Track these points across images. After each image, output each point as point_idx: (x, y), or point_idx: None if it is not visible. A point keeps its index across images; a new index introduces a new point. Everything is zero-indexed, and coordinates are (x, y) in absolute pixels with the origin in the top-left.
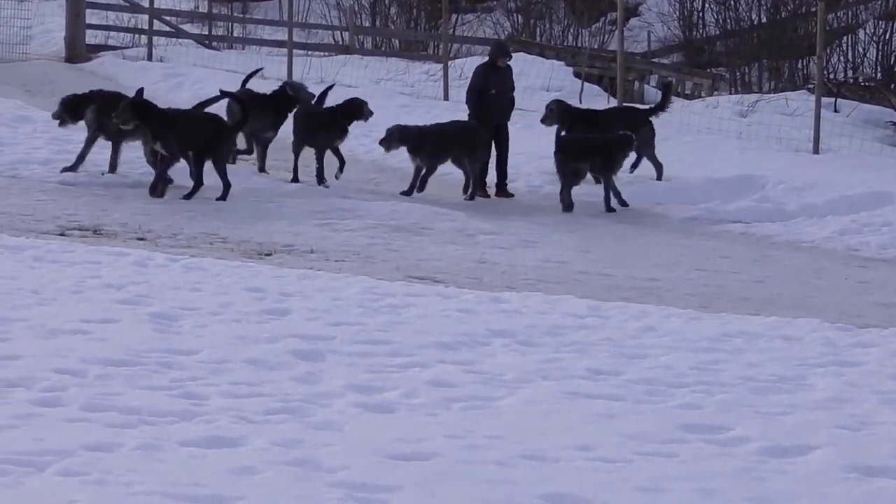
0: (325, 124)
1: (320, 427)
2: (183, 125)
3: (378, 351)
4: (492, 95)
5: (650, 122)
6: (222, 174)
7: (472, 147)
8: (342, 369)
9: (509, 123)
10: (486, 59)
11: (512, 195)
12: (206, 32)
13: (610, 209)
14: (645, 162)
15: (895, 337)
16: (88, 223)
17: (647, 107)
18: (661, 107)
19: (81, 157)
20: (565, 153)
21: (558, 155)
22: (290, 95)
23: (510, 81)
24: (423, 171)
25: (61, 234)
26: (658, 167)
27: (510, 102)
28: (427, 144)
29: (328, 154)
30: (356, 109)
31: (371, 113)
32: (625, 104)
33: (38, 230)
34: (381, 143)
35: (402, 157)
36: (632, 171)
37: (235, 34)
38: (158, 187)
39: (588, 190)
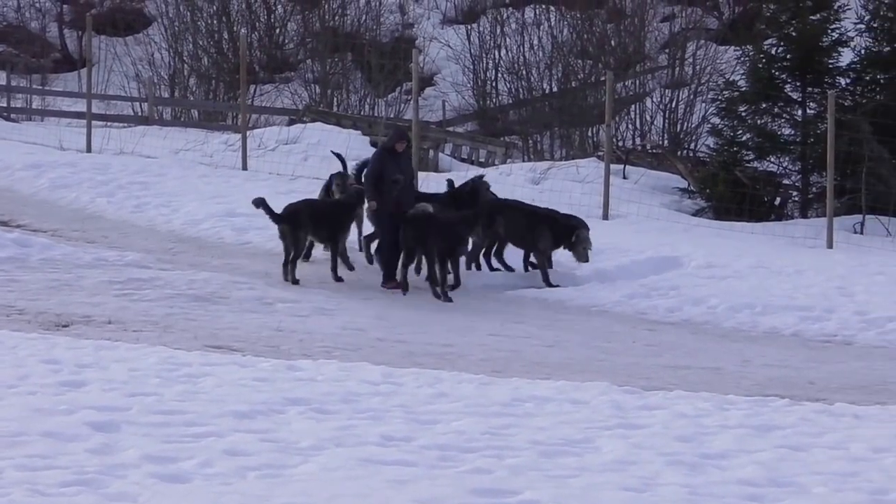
0: None
1: (115, 499)
2: None
3: (174, 421)
4: (393, 182)
5: None
6: None
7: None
8: (138, 440)
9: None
10: (384, 144)
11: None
12: (5, 104)
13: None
14: None
15: (680, 399)
16: None
17: None
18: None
19: None
20: None
21: None
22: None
23: (409, 167)
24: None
25: None
26: None
27: (410, 188)
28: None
29: None
30: None
31: None
32: None
33: None
34: None
35: (200, 227)
36: None
37: (35, 106)
38: None
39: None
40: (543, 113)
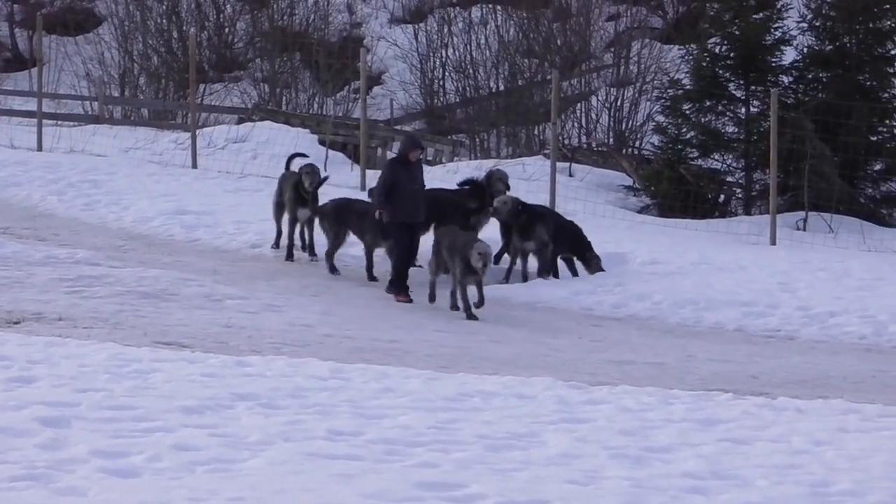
0: None
1: (64, 493)
2: None
3: (123, 416)
4: (405, 192)
5: None
6: None
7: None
8: (87, 435)
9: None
10: (397, 154)
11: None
12: None
13: None
14: None
15: (625, 394)
16: None
17: None
18: None
19: None
20: None
21: None
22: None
23: (421, 176)
24: None
25: None
26: None
27: (423, 199)
28: None
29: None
30: None
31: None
32: None
33: None
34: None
35: (150, 225)
36: None
37: None
38: None
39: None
40: (490, 111)
